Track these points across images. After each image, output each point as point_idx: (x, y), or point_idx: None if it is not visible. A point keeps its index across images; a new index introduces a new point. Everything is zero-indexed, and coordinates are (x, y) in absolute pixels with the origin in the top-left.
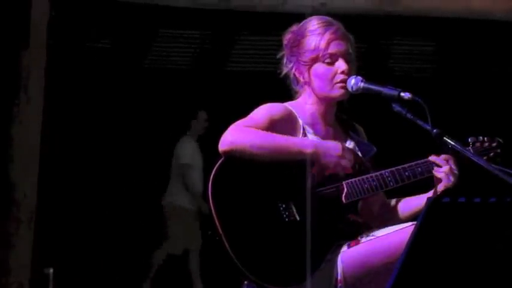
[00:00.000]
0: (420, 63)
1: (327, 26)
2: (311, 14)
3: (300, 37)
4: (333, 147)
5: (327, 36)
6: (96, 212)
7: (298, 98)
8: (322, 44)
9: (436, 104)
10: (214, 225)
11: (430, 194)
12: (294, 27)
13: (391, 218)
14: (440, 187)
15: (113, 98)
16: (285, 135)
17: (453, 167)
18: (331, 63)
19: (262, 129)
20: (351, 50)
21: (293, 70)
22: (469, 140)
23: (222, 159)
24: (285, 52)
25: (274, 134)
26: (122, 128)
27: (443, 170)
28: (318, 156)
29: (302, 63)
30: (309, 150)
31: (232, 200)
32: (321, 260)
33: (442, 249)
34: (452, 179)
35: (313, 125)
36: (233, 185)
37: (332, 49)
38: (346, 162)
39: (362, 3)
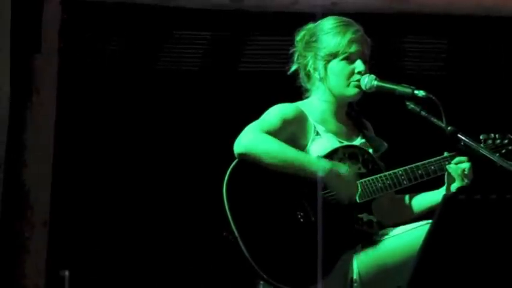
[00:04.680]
0: (432, 61)
1: (348, 25)
2: (322, 14)
3: (319, 33)
4: (345, 178)
5: (349, 35)
6: (111, 214)
7: (308, 95)
8: (344, 42)
9: (449, 102)
10: (229, 226)
11: (442, 190)
12: (310, 25)
13: (402, 214)
14: (454, 187)
15: (126, 100)
16: (302, 152)
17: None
18: (349, 62)
19: (276, 131)
20: (367, 52)
21: (307, 65)
22: (481, 137)
23: (237, 160)
24: (296, 48)
25: (291, 148)
26: (134, 130)
27: (458, 171)
28: (328, 181)
29: (319, 58)
30: (322, 171)
31: (247, 200)
32: (336, 261)
33: (458, 246)
34: (466, 180)
35: (324, 123)
36: (248, 186)
37: (352, 48)
38: (349, 195)
39: (373, 2)
